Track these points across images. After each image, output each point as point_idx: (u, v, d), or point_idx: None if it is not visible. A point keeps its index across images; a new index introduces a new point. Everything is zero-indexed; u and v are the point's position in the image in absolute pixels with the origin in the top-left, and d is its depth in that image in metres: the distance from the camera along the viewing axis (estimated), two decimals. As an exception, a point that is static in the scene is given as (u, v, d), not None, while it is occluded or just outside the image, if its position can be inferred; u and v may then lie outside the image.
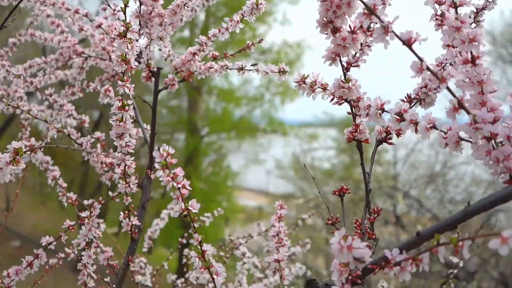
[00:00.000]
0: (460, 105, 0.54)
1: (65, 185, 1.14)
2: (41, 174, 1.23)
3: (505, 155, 0.53)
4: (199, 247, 0.68)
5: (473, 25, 0.74)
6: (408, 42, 0.53)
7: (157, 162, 0.65)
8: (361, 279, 0.57)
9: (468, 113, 0.54)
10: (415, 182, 6.72)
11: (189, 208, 0.66)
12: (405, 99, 0.73)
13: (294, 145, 11.55)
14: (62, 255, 1.09)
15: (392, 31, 0.53)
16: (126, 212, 1.01)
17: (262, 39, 1.05)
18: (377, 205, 0.80)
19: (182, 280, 1.53)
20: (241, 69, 0.99)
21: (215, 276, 0.68)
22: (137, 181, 0.96)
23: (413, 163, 7.05)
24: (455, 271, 1.12)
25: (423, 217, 6.80)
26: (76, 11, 1.13)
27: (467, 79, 0.57)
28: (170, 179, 0.65)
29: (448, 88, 0.54)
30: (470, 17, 0.59)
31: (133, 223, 1.02)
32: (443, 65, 0.73)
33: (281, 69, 0.88)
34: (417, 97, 0.72)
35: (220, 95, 12.34)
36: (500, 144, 0.55)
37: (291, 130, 11.79)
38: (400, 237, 7.21)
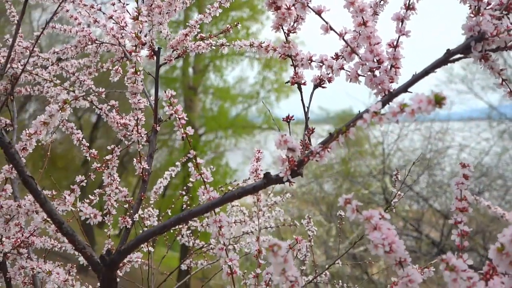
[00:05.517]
0: (352, 50, 0.85)
1: (87, 144, 1.45)
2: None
3: (380, 80, 0.84)
4: (195, 160, 1.00)
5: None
6: (319, 12, 0.85)
7: (164, 100, 0.96)
8: (298, 168, 0.88)
9: (358, 55, 0.85)
10: (404, 167, 7.05)
11: (187, 131, 0.98)
12: (333, 56, 1.04)
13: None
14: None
15: (308, 6, 0.84)
16: (138, 158, 1.32)
17: (238, 23, 1.37)
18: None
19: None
20: (222, 45, 1.31)
21: (205, 179, 0.99)
22: (146, 132, 1.28)
23: (401, 150, 7.39)
24: (396, 200, 1.43)
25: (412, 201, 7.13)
26: (92, 6, 1.44)
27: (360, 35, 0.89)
28: (173, 112, 0.96)
29: (344, 40, 0.85)
30: None
31: (144, 167, 1.33)
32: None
33: (251, 43, 1.19)
34: (342, 54, 1.03)
35: (216, 94, 12.64)
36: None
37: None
38: (392, 220, 7.55)
